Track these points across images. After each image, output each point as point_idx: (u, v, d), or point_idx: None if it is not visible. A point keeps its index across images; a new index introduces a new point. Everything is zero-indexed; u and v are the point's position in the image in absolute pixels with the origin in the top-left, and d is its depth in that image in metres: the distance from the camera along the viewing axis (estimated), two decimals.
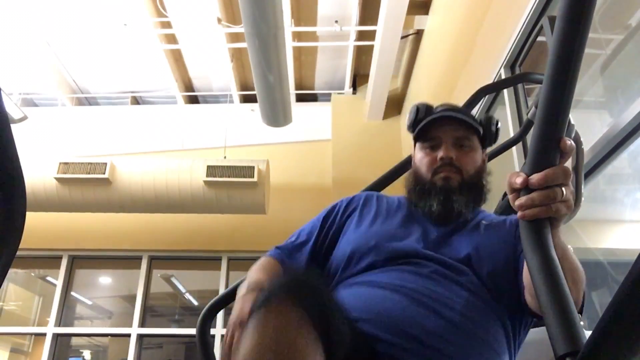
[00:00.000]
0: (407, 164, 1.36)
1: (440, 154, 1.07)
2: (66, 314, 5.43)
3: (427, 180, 1.08)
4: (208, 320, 1.20)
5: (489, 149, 1.23)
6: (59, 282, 5.42)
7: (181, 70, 5.62)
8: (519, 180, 0.64)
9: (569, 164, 0.65)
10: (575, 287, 0.81)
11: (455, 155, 1.06)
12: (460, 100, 1.62)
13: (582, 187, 1.17)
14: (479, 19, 3.23)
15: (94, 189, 4.58)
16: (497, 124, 1.15)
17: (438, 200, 1.03)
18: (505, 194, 1.33)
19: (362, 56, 5.43)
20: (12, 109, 4.54)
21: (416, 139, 1.16)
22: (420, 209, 1.08)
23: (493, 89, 2.13)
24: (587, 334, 0.47)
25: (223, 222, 5.24)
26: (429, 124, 1.11)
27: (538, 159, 0.62)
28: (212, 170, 4.56)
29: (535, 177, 0.63)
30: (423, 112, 1.15)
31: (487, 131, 1.13)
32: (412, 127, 1.15)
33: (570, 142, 0.61)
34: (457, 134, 1.08)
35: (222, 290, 4.40)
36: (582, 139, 1.22)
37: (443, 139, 1.08)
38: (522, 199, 0.64)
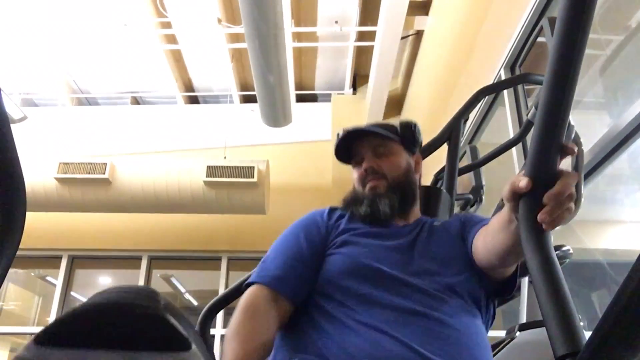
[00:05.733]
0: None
1: (364, 165, 1.19)
2: None
3: (360, 192, 1.20)
4: (208, 321, 1.20)
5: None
6: (59, 282, 5.42)
7: (181, 70, 5.62)
8: (522, 184, 0.64)
9: (568, 164, 0.65)
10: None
11: (377, 164, 1.17)
12: (460, 101, 1.62)
13: (582, 188, 1.17)
14: (479, 20, 3.23)
15: (94, 189, 4.58)
16: (412, 126, 1.25)
17: (366, 204, 1.13)
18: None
19: (362, 56, 5.43)
20: (12, 109, 4.54)
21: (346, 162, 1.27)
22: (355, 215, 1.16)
23: (493, 90, 2.13)
24: (587, 334, 0.47)
25: (223, 222, 5.24)
26: (349, 146, 1.22)
27: (538, 160, 0.62)
28: (212, 170, 4.56)
29: (557, 190, 0.63)
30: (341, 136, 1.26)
31: (404, 135, 1.24)
32: (336, 153, 1.24)
33: (572, 145, 0.62)
34: (374, 144, 1.20)
35: (222, 291, 4.40)
36: (581, 140, 1.22)
37: (363, 153, 1.20)
38: (543, 215, 0.63)
